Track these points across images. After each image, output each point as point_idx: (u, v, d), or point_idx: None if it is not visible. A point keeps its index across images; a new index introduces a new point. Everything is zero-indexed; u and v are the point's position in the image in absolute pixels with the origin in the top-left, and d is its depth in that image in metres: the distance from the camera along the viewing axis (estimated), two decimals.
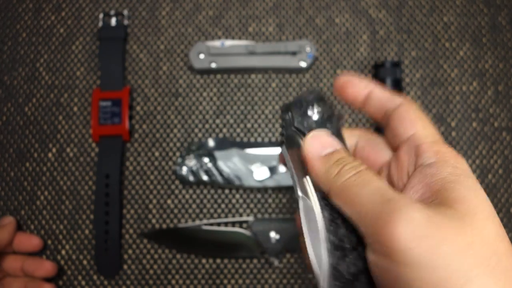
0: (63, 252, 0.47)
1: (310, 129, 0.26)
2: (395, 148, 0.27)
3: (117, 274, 0.47)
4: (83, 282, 0.47)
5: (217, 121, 0.50)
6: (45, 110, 0.50)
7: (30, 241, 0.46)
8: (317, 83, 0.51)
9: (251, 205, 0.49)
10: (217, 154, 0.48)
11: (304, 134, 0.26)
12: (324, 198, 0.24)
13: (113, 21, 0.52)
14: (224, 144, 0.49)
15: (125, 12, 0.52)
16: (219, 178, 0.47)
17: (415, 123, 0.26)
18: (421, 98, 0.51)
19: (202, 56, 0.50)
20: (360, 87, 0.28)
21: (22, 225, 0.48)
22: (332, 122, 0.27)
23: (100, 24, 0.52)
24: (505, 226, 0.48)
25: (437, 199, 0.22)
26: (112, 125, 0.48)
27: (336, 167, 0.24)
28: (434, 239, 0.19)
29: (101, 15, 0.52)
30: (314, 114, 0.27)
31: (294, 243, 0.46)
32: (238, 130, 0.50)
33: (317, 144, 0.25)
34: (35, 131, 0.50)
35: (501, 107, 0.51)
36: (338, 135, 0.26)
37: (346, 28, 0.53)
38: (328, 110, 0.27)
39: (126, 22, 0.52)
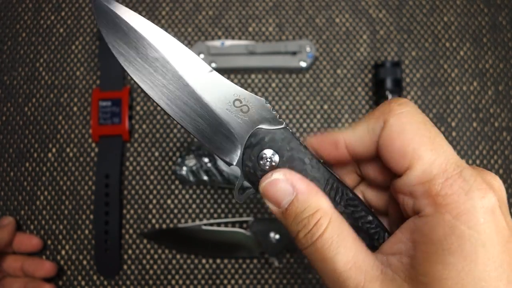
0: (63, 252, 0.47)
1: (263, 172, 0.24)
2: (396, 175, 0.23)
3: (117, 274, 0.47)
4: (83, 282, 0.47)
5: None
6: (45, 110, 0.50)
7: (30, 241, 0.46)
8: (317, 83, 0.51)
9: (251, 205, 0.49)
10: None
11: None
12: None
13: None
14: None
15: None
16: (219, 178, 0.47)
17: (405, 152, 0.21)
18: (421, 98, 0.51)
19: (202, 56, 0.50)
20: (328, 143, 0.24)
21: (22, 225, 0.48)
22: (284, 151, 0.24)
23: None
24: None
25: (414, 270, 0.20)
26: (112, 125, 0.48)
27: (293, 230, 0.22)
28: None
29: None
30: (266, 164, 0.24)
31: (294, 243, 0.46)
32: None
33: (270, 200, 0.23)
34: (35, 131, 0.50)
35: (502, 107, 0.51)
36: (299, 154, 0.24)
37: (346, 28, 0.53)
38: (277, 143, 0.24)
39: None
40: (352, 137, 0.24)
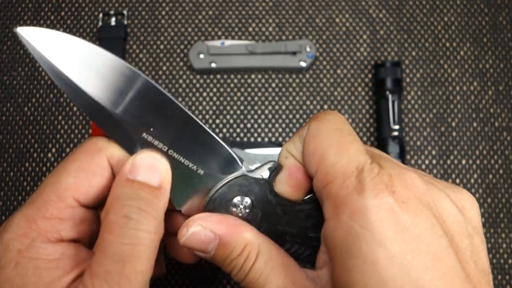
0: None
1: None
2: None
3: None
4: None
5: (217, 121, 0.50)
6: (45, 110, 0.50)
7: None
8: (317, 83, 0.51)
9: None
10: None
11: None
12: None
13: (113, 20, 0.52)
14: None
15: (125, 12, 0.52)
16: None
17: (314, 155, 0.21)
18: (421, 98, 0.51)
19: (202, 56, 0.50)
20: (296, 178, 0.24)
21: None
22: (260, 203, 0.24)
23: (100, 24, 0.52)
24: (505, 226, 0.48)
25: (333, 280, 0.20)
26: None
27: (226, 269, 0.23)
28: None
29: (100, 15, 0.52)
30: (239, 210, 0.24)
31: None
32: (238, 130, 0.50)
33: (194, 248, 0.23)
34: (35, 131, 0.50)
35: (502, 107, 0.51)
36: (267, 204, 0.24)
37: (346, 28, 0.53)
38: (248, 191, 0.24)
39: (125, 22, 0.52)
40: (293, 149, 0.23)
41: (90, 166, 0.22)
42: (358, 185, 0.19)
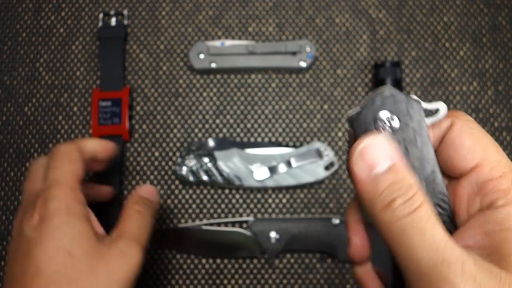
0: None
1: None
2: (453, 176, 0.23)
3: None
4: None
5: (217, 121, 0.50)
6: (45, 110, 0.50)
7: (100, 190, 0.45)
8: (317, 83, 0.51)
9: (251, 205, 0.49)
10: (217, 154, 0.48)
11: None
12: None
13: (113, 21, 0.52)
14: (224, 144, 0.49)
15: (125, 12, 0.52)
16: (219, 178, 0.47)
17: (474, 150, 0.22)
18: (421, 98, 0.51)
19: (202, 56, 0.50)
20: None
21: None
22: (407, 122, 0.22)
23: (100, 24, 0.52)
24: None
25: (496, 255, 0.20)
26: (112, 125, 0.48)
27: (386, 196, 0.20)
28: None
29: (101, 15, 0.52)
30: (384, 123, 0.22)
31: (294, 243, 0.46)
32: (238, 130, 0.50)
33: (365, 160, 0.21)
34: (35, 131, 0.50)
35: (501, 107, 0.51)
36: (416, 135, 0.22)
37: (346, 28, 0.53)
38: (401, 109, 0.22)
39: (126, 22, 0.52)
40: None
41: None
42: None
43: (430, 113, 0.23)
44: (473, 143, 0.22)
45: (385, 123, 0.22)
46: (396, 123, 0.22)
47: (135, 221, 0.35)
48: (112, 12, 0.52)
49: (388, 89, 0.23)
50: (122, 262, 0.32)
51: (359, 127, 0.23)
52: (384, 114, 0.22)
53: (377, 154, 0.21)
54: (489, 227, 0.21)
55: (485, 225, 0.21)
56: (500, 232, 0.20)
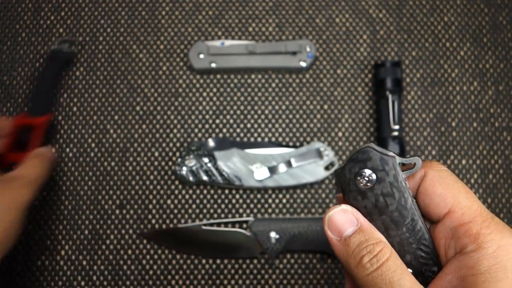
0: (63, 252, 0.47)
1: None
2: (433, 221, 0.25)
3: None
4: (82, 283, 0.47)
5: (217, 121, 0.50)
6: None
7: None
8: (317, 83, 0.51)
9: (251, 205, 0.49)
10: (217, 154, 0.48)
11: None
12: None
13: (66, 47, 0.51)
14: (224, 144, 0.49)
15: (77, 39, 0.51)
16: (219, 178, 0.47)
17: (445, 197, 0.24)
18: (421, 98, 0.51)
19: (202, 56, 0.50)
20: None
21: None
22: (383, 177, 0.25)
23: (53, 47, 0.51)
24: None
25: None
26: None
27: (357, 255, 0.23)
28: None
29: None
30: (363, 178, 0.25)
31: (294, 243, 0.46)
32: (238, 130, 0.50)
33: (334, 227, 0.24)
34: None
35: (502, 107, 0.51)
36: (393, 188, 0.25)
37: (346, 28, 0.53)
38: (377, 166, 0.25)
39: (73, 48, 0.51)
40: None
41: None
42: (497, 226, 0.23)
43: (407, 166, 0.26)
44: (444, 191, 0.24)
45: (364, 178, 0.25)
46: (374, 178, 0.25)
47: (31, 168, 0.42)
48: (65, 38, 0.51)
49: (366, 148, 0.25)
50: (15, 196, 0.39)
51: (342, 182, 0.26)
52: (363, 171, 0.25)
53: (342, 220, 0.24)
54: (462, 272, 0.22)
55: (460, 270, 0.23)
56: (472, 277, 0.22)
